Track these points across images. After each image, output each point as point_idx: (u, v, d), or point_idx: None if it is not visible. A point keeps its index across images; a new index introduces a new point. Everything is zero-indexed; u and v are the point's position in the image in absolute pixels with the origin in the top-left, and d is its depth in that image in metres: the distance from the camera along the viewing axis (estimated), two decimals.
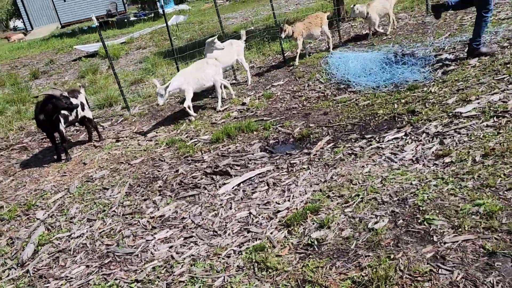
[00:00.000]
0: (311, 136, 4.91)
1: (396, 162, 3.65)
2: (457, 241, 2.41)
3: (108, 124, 6.91)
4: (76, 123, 6.20)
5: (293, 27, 7.27)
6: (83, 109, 5.88)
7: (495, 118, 3.92)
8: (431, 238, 2.51)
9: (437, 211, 2.74)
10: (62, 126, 5.48)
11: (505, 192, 2.73)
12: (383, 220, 2.82)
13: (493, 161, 3.17)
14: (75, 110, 5.64)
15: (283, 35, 7.12)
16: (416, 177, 3.28)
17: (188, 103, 6.19)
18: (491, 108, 4.12)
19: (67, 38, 19.16)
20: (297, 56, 7.56)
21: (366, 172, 3.60)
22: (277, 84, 7.06)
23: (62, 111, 5.43)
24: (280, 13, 13.52)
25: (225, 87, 6.83)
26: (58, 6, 27.63)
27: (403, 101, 5.14)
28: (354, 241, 2.71)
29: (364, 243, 2.66)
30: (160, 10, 22.26)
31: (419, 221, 2.70)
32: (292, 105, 6.14)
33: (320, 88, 6.44)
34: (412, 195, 3.03)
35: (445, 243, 2.43)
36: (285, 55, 8.03)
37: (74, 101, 5.44)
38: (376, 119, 4.90)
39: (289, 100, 6.34)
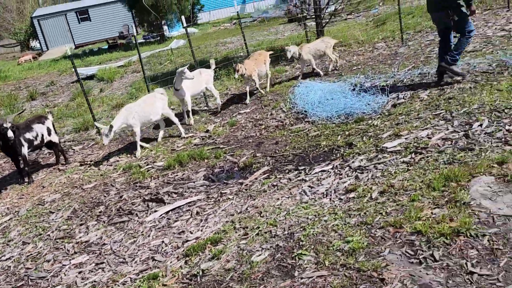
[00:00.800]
0: (253, 166, 5.12)
1: (308, 196, 3.82)
2: (312, 277, 2.57)
3: (79, 148, 7.29)
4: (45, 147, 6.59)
5: (244, 65, 7.37)
6: (49, 134, 6.27)
7: (413, 154, 4.07)
8: (293, 273, 2.67)
9: (312, 247, 2.90)
10: (25, 151, 5.85)
11: (377, 230, 2.87)
12: (264, 254, 2.99)
13: (386, 198, 3.31)
14: (40, 135, 6.05)
15: (236, 75, 7.24)
16: (315, 212, 3.44)
17: (138, 138, 6.32)
18: (414, 144, 4.27)
19: (75, 59, 20.07)
20: (261, 88, 7.78)
21: (277, 205, 3.78)
22: (244, 111, 7.33)
23: (26, 136, 5.84)
24: (267, 40, 13.93)
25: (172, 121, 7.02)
26: (73, 27, 29.02)
27: (347, 133, 5.32)
28: (232, 273, 2.89)
29: (239, 275, 2.84)
30: (167, 33, 23.15)
31: (293, 255, 2.87)
32: (251, 133, 6.38)
33: (281, 117, 6.67)
34: (301, 229, 3.19)
35: (301, 278, 2.59)
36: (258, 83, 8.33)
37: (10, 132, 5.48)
38: (317, 150, 5.08)
39: (250, 129, 6.58)
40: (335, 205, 3.48)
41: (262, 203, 3.91)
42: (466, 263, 2.33)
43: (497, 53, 6.57)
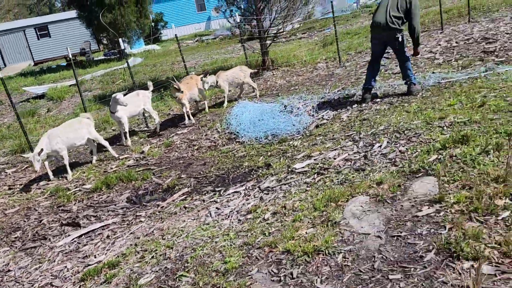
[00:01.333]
0: (176, 187, 5.28)
1: (212, 218, 4.01)
2: None
3: (12, 171, 7.25)
4: None
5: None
6: None
7: (315, 175, 4.34)
8: None
9: (195, 268, 3.07)
10: None
11: (255, 250, 3.08)
12: (151, 276, 3.14)
13: (275, 219, 3.54)
14: None
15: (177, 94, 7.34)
16: (212, 233, 3.63)
17: (66, 162, 6.35)
18: (320, 165, 4.55)
19: (31, 77, 19.76)
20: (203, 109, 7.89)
21: (181, 227, 3.94)
22: (181, 132, 7.50)
23: None
24: (222, 58, 14.23)
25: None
26: (32, 43, 28.56)
27: (269, 153, 5.57)
28: None
29: None
30: (128, 50, 23.12)
31: (175, 277, 3.03)
32: (183, 154, 6.55)
33: (214, 137, 6.88)
34: (192, 251, 3.37)
35: None
36: (200, 103, 8.55)
37: None
38: (238, 171, 5.29)
39: (184, 149, 6.75)
40: (232, 227, 3.68)
41: (168, 225, 4.06)
42: (316, 280, 2.56)
43: (418, 75, 7.04)
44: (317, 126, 6.02)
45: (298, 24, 20.29)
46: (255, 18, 9.50)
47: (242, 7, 9.61)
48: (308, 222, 3.26)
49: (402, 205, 3.15)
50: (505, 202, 2.84)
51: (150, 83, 7.80)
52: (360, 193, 3.49)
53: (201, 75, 7.85)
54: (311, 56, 10.47)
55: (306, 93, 7.68)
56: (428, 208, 3.01)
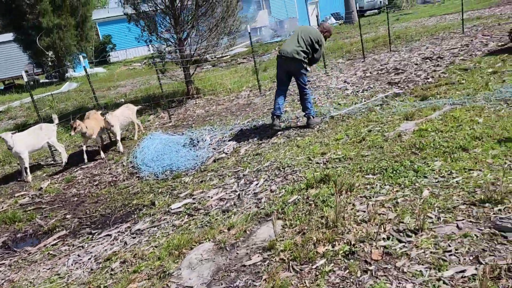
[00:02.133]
0: (56, 229, 5.08)
1: (67, 266, 3.86)
2: None
3: None
4: None
5: (85, 123, 7.20)
6: None
7: (186, 216, 4.30)
8: None
9: None
10: None
11: None
12: None
13: (121, 269, 3.45)
14: None
15: (73, 133, 6.93)
16: (57, 286, 3.48)
17: None
18: (196, 205, 4.52)
19: None
20: (101, 151, 7.61)
21: (32, 279, 3.77)
22: (86, 166, 7.30)
23: None
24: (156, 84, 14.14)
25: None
26: None
27: (160, 190, 5.49)
28: None
29: None
30: (71, 73, 22.58)
31: None
32: (81, 190, 6.35)
33: (117, 172, 6.73)
34: None
35: None
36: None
37: None
38: (124, 210, 5.17)
39: (83, 185, 6.55)
40: (80, 277, 3.55)
41: (20, 276, 3.87)
42: None
43: (325, 106, 7.25)
44: (214, 161, 6.02)
45: (243, 48, 20.64)
46: (177, 48, 9.53)
47: (164, 36, 9.63)
48: (146, 273, 3.20)
49: (237, 253, 3.15)
50: (326, 249, 2.90)
51: (55, 116, 7.60)
52: (208, 239, 3.47)
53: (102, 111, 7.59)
54: (237, 84, 10.60)
55: (218, 124, 7.72)
56: (258, 256, 3.02)
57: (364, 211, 3.36)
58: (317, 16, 12.75)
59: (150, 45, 9.98)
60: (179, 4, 9.27)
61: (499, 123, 4.81)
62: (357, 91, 7.87)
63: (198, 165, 5.99)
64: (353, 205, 3.54)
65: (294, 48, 6.09)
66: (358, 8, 19.99)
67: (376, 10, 31.84)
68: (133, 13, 9.34)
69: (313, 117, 6.31)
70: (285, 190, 4.15)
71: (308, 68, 6.38)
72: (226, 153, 6.16)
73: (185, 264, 3.15)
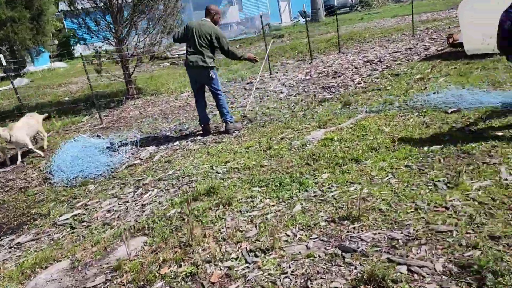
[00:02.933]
0: None
1: None
2: None
3: None
4: None
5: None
6: None
7: (69, 228, 4.16)
8: None
9: None
10: None
11: None
12: None
13: None
14: None
15: None
16: None
17: None
18: (83, 217, 4.38)
19: None
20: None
21: None
22: (3, 170, 7.05)
23: None
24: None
25: None
26: None
27: (62, 199, 5.32)
28: None
29: None
30: (31, 67, 21.88)
31: None
32: None
33: (32, 177, 6.50)
34: None
35: None
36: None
37: None
38: (19, 220, 4.98)
39: None
40: None
41: None
42: None
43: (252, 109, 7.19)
44: (127, 167, 5.88)
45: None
46: (116, 47, 9.31)
47: (103, 36, 9.38)
48: None
49: (86, 273, 3.04)
50: (170, 270, 2.82)
51: None
52: (67, 257, 3.35)
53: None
54: (180, 84, 10.44)
55: (147, 127, 7.57)
56: (102, 277, 2.92)
57: (229, 228, 3.30)
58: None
59: (87, 44, 9.73)
60: (117, 2, 9.05)
61: (404, 132, 4.83)
62: (291, 95, 7.84)
63: (108, 172, 5.83)
64: (225, 220, 3.48)
65: (197, 56, 5.91)
66: (329, 6, 20.00)
67: (347, 9, 32.07)
68: (68, 10, 9.07)
69: (231, 123, 6.23)
70: (171, 202, 4.06)
71: (213, 75, 6.10)
72: (141, 159, 6.02)
73: (30, 285, 3.03)
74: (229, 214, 3.56)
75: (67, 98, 11.95)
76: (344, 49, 11.89)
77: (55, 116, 9.18)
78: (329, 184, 3.81)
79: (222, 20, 29.52)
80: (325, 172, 4.08)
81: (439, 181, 3.44)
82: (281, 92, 8.16)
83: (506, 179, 3.26)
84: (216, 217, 3.52)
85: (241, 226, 3.28)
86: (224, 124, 6.26)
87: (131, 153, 6.35)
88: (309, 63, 10.80)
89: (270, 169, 4.45)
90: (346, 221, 3.09)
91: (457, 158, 3.82)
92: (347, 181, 3.79)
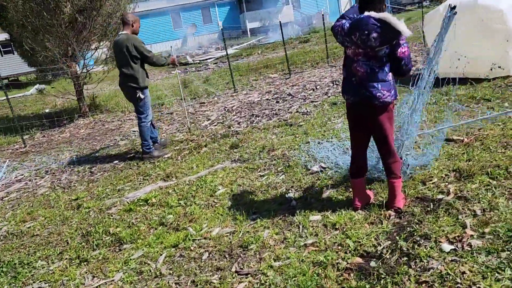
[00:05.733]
0: None
1: None
2: None
3: None
4: None
5: None
6: None
7: None
8: None
9: None
10: None
11: None
12: None
13: None
14: None
15: None
16: None
17: None
18: None
19: None
20: None
21: None
22: None
23: None
24: None
25: None
26: None
27: None
28: None
29: None
30: None
31: None
32: None
33: None
34: None
35: None
36: None
37: None
38: None
39: None
40: None
41: None
42: None
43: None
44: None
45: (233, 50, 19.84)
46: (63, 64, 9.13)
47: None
48: None
49: None
50: None
51: None
52: None
53: None
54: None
55: (55, 153, 7.16)
56: None
57: None
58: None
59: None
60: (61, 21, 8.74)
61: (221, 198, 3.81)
62: (219, 123, 6.90)
63: None
64: None
65: (121, 76, 5.43)
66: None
67: (416, 5, 29.32)
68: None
69: (149, 152, 5.59)
70: None
71: (141, 95, 5.52)
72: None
73: None
74: None
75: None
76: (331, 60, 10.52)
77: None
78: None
79: (275, 20, 27.97)
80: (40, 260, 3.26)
81: None
82: (208, 119, 7.29)
83: None
84: None
85: None
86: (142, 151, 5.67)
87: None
88: (287, 78, 9.70)
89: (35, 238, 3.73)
90: None
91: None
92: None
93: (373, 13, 2.76)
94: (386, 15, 2.70)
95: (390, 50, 2.80)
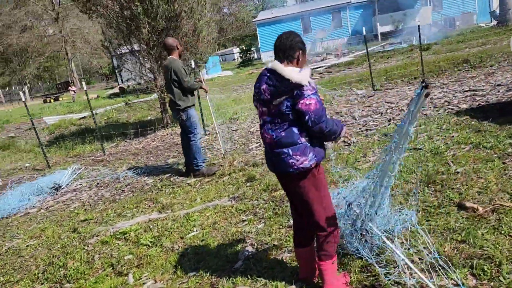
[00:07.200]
0: None
1: None
2: None
3: None
4: None
5: None
6: None
7: None
8: None
9: None
10: None
11: None
12: None
13: None
14: None
15: None
16: None
17: None
18: None
19: None
20: None
21: None
22: None
23: None
24: None
25: None
26: None
27: None
28: None
29: None
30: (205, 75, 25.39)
31: None
32: None
33: None
34: None
35: None
36: None
37: None
38: None
39: None
40: None
41: None
42: None
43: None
44: (26, 214, 6.23)
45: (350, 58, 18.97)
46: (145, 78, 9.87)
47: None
48: None
49: None
50: None
51: None
52: None
53: None
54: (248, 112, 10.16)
55: (120, 165, 7.74)
56: None
57: None
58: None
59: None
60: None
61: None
62: (258, 148, 6.67)
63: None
64: None
65: (170, 98, 5.75)
66: None
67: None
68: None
69: (198, 169, 5.80)
70: None
71: (184, 117, 5.77)
72: (41, 208, 6.24)
73: None
74: None
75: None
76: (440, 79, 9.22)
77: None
78: None
79: (411, 22, 26.15)
80: None
81: None
82: (257, 141, 7.05)
83: None
84: None
85: None
86: (192, 171, 5.86)
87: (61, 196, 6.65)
88: (370, 96, 8.87)
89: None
90: None
91: None
92: None
93: (271, 64, 2.35)
94: (274, 63, 2.25)
95: (291, 103, 2.29)
